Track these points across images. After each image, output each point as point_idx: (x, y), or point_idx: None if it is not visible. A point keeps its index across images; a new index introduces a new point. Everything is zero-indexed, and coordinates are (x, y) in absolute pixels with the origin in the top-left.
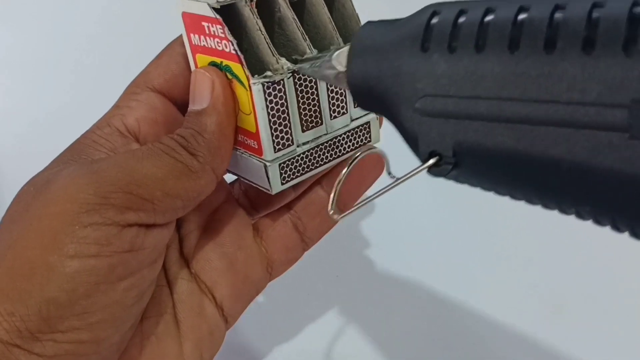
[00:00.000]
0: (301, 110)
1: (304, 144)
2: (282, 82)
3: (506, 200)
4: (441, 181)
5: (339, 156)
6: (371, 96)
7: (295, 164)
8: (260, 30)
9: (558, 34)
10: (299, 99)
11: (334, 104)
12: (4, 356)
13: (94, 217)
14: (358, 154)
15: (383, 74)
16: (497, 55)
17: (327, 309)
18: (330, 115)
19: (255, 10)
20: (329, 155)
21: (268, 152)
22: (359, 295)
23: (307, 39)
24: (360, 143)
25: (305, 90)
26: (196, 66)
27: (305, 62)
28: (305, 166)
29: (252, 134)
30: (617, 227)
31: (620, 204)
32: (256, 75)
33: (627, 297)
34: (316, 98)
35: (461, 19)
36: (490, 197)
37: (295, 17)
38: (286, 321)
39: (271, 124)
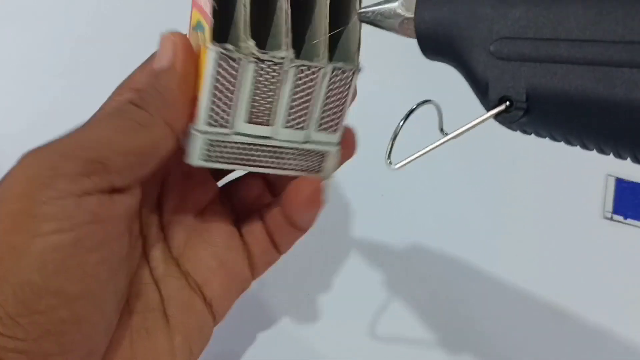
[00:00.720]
0: (252, 102)
1: (243, 134)
2: (239, 61)
3: (506, 201)
4: (441, 180)
5: (282, 169)
6: (440, 42)
7: (226, 148)
8: (245, 6)
9: None
10: (255, 90)
11: (292, 114)
12: None
13: (48, 192)
14: (414, 106)
15: (456, 17)
16: None
17: (327, 309)
18: (284, 123)
19: None
20: (270, 161)
21: (200, 121)
22: (359, 295)
23: (289, 36)
24: (306, 168)
25: (265, 84)
26: (190, 22)
27: (367, 8)
28: (238, 157)
29: (196, 99)
30: None
31: None
32: (216, 42)
33: (628, 297)
34: (275, 97)
35: None
36: (489, 197)
37: (289, 12)
38: (286, 322)
39: (212, 96)
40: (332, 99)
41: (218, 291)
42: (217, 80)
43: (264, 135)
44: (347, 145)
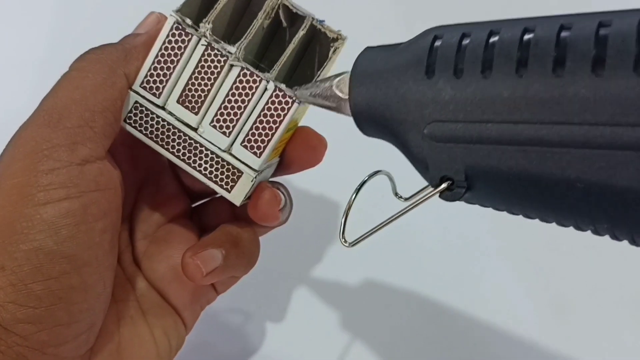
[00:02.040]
0: (190, 84)
1: (170, 113)
2: (191, 37)
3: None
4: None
5: (194, 168)
6: (376, 123)
7: (148, 118)
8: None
9: (566, 54)
10: (197, 73)
11: (223, 114)
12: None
13: (50, 163)
14: (366, 178)
15: (388, 101)
16: (505, 78)
17: (327, 309)
18: (212, 120)
19: None
20: (186, 154)
21: (137, 81)
22: (358, 296)
23: (247, 39)
24: (216, 180)
25: (208, 71)
26: None
27: (304, 88)
28: (158, 135)
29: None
30: (635, 242)
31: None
32: (178, 12)
33: (629, 297)
34: (212, 89)
35: (465, 42)
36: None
37: (263, 25)
38: (285, 323)
39: (155, 61)
40: (267, 118)
41: (179, 300)
42: (166, 48)
43: (189, 123)
44: (314, 149)
